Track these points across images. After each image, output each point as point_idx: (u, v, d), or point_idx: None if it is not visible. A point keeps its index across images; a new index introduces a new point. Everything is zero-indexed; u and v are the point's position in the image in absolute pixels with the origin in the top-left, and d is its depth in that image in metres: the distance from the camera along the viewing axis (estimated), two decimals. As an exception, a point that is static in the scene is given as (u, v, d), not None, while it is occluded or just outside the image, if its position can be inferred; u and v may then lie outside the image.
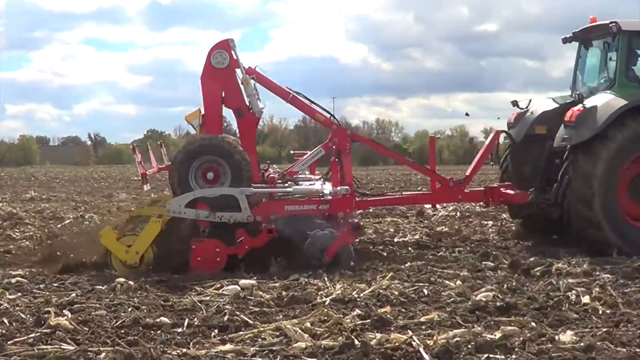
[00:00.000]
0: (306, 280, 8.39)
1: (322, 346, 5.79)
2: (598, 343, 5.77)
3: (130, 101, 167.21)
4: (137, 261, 9.02)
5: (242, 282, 8.21)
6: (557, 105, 11.67)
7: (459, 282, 8.25)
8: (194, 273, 8.90)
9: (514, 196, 11.19)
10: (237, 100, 10.33)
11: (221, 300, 7.49)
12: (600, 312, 6.94)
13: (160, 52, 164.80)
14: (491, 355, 5.53)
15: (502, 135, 12.07)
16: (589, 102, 10.50)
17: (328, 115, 10.79)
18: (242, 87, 10.32)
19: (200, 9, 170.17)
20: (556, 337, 6.01)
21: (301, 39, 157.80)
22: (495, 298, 7.42)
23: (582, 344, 5.73)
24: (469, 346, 5.73)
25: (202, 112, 10.39)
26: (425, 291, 7.84)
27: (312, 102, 10.89)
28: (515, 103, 12.11)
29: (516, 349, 5.69)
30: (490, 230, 13.91)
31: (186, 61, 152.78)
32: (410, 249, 11.54)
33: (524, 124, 11.69)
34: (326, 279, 8.43)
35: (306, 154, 11.41)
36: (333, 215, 9.83)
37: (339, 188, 9.92)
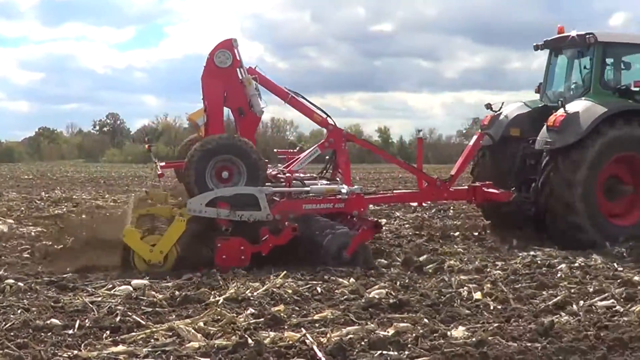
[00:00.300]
0: (200, 279, 8.19)
1: (215, 346, 5.66)
2: (489, 338, 5.84)
3: (22, 98, 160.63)
4: (162, 260, 8.89)
5: (135, 282, 7.97)
6: (530, 109, 12.37)
7: (352, 279, 8.24)
8: (89, 273, 8.61)
9: (497, 195, 11.38)
10: (239, 99, 10.24)
11: (113, 300, 7.24)
12: (492, 308, 7.06)
13: (53, 47, 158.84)
14: (384, 352, 5.51)
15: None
16: (570, 108, 10.99)
17: (325, 116, 10.90)
18: (244, 86, 10.22)
19: (94, 5, 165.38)
20: (448, 333, 6.06)
21: (197, 36, 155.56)
22: (388, 295, 7.44)
23: (474, 339, 5.79)
24: (362, 343, 5.71)
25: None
26: (319, 289, 7.78)
27: (311, 102, 10.99)
28: (489, 106, 12.61)
29: (409, 345, 5.69)
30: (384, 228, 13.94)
31: (79, 57, 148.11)
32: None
33: (499, 126, 12.26)
34: (220, 278, 8.24)
35: (288, 152, 11.61)
36: (339, 214, 10.12)
37: (353, 187, 10.12)
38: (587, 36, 11.53)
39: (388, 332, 6.05)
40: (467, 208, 16.38)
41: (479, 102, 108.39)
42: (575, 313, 6.83)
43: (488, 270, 8.97)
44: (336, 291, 7.71)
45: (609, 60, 11.98)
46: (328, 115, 10.90)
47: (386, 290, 7.63)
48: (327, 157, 11.23)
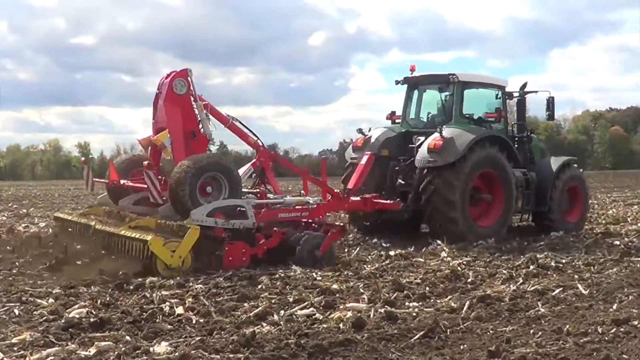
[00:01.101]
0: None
1: None
2: (192, 352, 5.78)
3: None
4: (180, 264, 9.59)
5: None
6: (395, 134, 14.76)
7: (51, 300, 7.80)
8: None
9: (388, 204, 13.38)
10: (192, 123, 11.58)
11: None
12: (194, 322, 7.00)
13: None
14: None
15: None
16: (445, 134, 13.33)
17: (256, 139, 12.70)
18: (196, 112, 11.58)
19: None
20: (151, 349, 5.90)
21: None
22: (88, 314, 7.08)
23: (177, 354, 5.71)
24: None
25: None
26: (17, 311, 7.24)
27: (247, 127, 12.67)
28: (360, 130, 14.96)
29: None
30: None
31: None
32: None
33: (371, 148, 14.35)
34: None
35: None
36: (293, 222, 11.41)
37: (316, 198, 12.19)
38: (450, 76, 14.11)
39: (89, 351, 5.77)
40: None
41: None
42: (277, 323, 6.98)
43: (190, 285, 8.85)
44: (35, 312, 7.22)
45: (467, 96, 14.45)
46: (258, 138, 12.72)
47: (86, 309, 7.25)
48: (254, 175, 12.93)
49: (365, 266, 10.60)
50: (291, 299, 8.01)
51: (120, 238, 10.17)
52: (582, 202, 15.79)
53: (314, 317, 7.27)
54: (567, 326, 6.91)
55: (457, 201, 13.19)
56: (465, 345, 6.39)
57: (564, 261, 11.12)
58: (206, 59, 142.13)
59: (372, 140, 14.53)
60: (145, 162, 11.42)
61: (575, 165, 15.92)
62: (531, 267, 10.47)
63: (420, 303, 8.06)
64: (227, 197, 10.82)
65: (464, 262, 10.89)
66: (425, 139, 13.67)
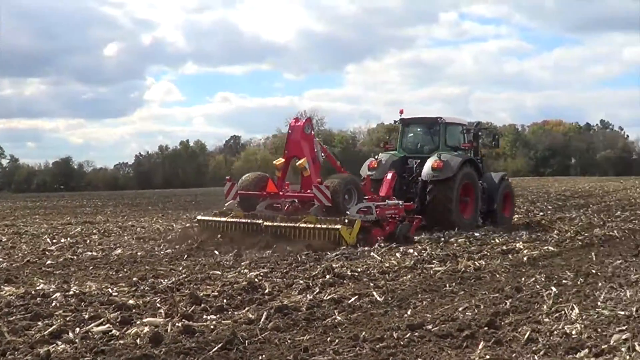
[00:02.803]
0: None
1: None
2: None
3: None
4: (354, 242, 14.89)
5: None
6: (397, 158, 20.30)
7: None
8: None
9: (409, 205, 18.07)
10: (314, 153, 17.19)
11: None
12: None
13: None
14: None
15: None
16: (443, 158, 18.92)
17: (340, 164, 18.82)
18: (315, 145, 17.40)
19: None
20: None
21: None
22: None
23: None
24: None
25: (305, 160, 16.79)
26: None
27: (335, 155, 18.80)
28: (373, 156, 20.46)
29: None
30: None
31: None
32: None
33: (383, 169, 19.52)
34: None
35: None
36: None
37: (398, 202, 17.46)
38: (438, 119, 20.31)
39: None
40: None
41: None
42: (72, 341, 6.84)
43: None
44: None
45: (449, 132, 20.49)
46: (341, 163, 18.93)
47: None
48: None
49: (161, 280, 10.51)
50: (86, 316, 7.84)
51: (300, 229, 15.12)
52: (511, 203, 22.43)
53: (110, 333, 7.18)
54: (364, 333, 7.26)
55: (453, 201, 18.77)
56: (263, 356, 6.56)
57: (359, 270, 11.49)
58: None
59: (383, 162, 19.93)
60: (319, 179, 16.64)
61: (506, 177, 22.47)
62: (327, 276, 10.70)
63: (218, 315, 8.16)
64: (357, 202, 16.43)
65: (261, 274, 11.05)
66: (420, 161, 19.58)
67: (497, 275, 11.19)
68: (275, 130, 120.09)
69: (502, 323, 7.74)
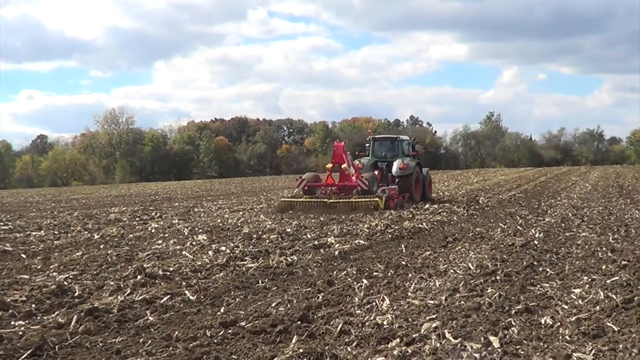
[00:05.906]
0: None
1: None
2: None
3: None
4: (383, 207, 23.20)
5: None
6: (371, 162, 27.96)
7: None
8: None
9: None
10: (349, 161, 25.69)
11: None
12: None
13: None
14: None
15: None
16: (405, 162, 27.29)
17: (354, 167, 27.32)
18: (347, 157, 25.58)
19: None
20: None
21: None
22: None
23: None
24: None
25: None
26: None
27: (352, 162, 27.10)
28: (358, 160, 27.96)
29: None
30: None
31: None
32: None
33: (365, 169, 26.91)
34: None
35: None
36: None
37: (394, 186, 26.60)
38: (397, 137, 29.37)
39: None
40: None
41: None
42: None
43: None
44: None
45: (402, 145, 28.95)
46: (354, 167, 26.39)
47: None
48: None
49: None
50: None
51: (352, 203, 23.30)
52: (431, 187, 31.13)
53: None
54: (177, 332, 7.32)
55: (412, 187, 27.07)
56: (75, 360, 6.48)
57: (171, 269, 11.36)
58: None
59: (365, 164, 27.50)
60: (360, 174, 25.33)
61: (428, 172, 29.92)
62: (139, 276, 10.54)
63: (27, 321, 7.97)
64: (376, 188, 24.85)
65: (71, 277, 10.79)
66: (388, 164, 27.89)
67: (310, 270, 11.44)
68: (84, 129, 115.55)
69: (315, 317, 8.01)
